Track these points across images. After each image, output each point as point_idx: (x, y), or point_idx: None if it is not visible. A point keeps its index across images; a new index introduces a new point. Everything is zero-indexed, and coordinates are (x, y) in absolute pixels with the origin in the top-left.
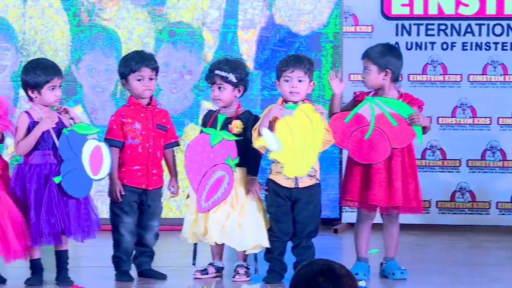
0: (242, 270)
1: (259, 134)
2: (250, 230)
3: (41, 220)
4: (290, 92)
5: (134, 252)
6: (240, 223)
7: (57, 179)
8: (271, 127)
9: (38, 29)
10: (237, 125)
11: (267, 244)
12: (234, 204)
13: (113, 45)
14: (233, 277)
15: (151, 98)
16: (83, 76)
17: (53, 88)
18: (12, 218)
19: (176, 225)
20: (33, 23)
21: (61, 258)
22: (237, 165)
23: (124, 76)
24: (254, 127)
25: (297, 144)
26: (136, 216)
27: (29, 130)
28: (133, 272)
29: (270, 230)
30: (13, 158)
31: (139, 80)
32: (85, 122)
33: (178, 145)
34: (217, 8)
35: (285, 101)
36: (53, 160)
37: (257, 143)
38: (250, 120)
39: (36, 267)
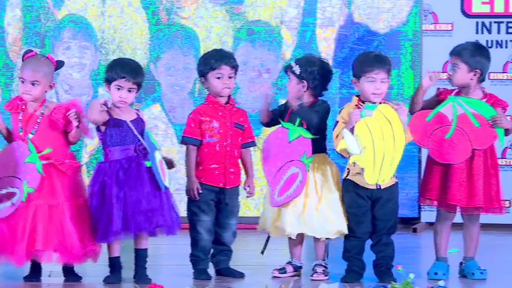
0: (320, 269)
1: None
2: (329, 216)
3: (122, 214)
4: (373, 93)
5: (212, 251)
6: (319, 210)
7: (148, 163)
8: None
9: (117, 28)
10: None
11: (346, 230)
12: (309, 192)
13: (192, 43)
14: (311, 276)
15: (229, 97)
16: (161, 74)
17: (119, 88)
18: (74, 224)
19: (254, 223)
20: (112, 21)
21: (140, 257)
22: (313, 151)
23: (203, 74)
24: (335, 132)
25: (377, 147)
26: (214, 214)
27: (108, 126)
28: (211, 270)
29: (348, 230)
30: (92, 156)
31: (218, 78)
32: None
33: (255, 145)
34: (296, 7)
35: (362, 100)
36: (132, 154)
37: (338, 147)
38: (322, 109)
39: (114, 265)
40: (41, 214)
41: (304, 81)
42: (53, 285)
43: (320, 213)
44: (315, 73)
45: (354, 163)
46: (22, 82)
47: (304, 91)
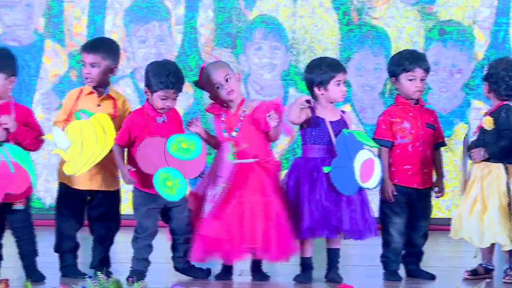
0: None
1: None
2: (491, 227)
3: (314, 212)
4: None
5: (402, 252)
6: (483, 219)
7: (326, 169)
8: None
9: (308, 28)
10: (486, 122)
11: (506, 243)
12: (477, 199)
13: (383, 43)
14: (503, 278)
15: None
16: (352, 74)
17: (338, 84)
18: (278, 223)
19: (445, 225)
20: (303, 22)
21: (333, 256)
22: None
23: (395, 74)
24: None
25: None
26: (406, 216)
27: (309, 124)
28: (401, 271)
29: None
30: (282, 156)
31: (410, 80)
32: (365, 133)
33: (445, 145)
34: (489, 6)
35: None
36: (325, 154)
37: None
38: (502, 113)
39: (306, 265)
40: (257, 211)
41: (487, 83)
42: (243, 284)
43: (482, 223)
44: (497, 74)
45: None
46: (226, 80)
47: (488, 92)
